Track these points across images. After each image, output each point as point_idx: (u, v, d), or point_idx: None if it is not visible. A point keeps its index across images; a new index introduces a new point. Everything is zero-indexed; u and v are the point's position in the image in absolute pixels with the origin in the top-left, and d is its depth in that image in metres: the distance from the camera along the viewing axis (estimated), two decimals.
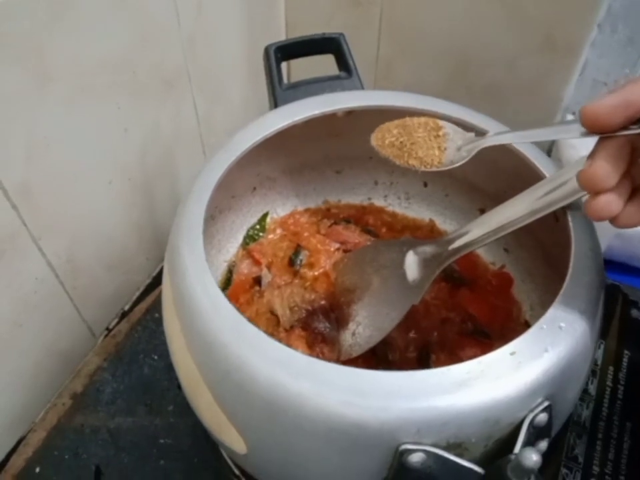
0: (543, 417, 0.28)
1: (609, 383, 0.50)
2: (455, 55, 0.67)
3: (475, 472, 0.27)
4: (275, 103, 0.43)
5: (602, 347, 0.52)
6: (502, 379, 0.27)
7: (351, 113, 0.44)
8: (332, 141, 0.47)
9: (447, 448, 0.27)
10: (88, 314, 0.56)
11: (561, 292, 0.30)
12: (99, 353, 0.52)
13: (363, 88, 0.44)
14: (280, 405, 0.27)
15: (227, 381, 0.29)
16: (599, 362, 0.51)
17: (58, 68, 0.42)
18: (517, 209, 0.36)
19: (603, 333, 0.53)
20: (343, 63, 0.44)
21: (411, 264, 0.41)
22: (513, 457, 0.25)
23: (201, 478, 0.43)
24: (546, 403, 0.28)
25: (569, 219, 0.34)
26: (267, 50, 0.43)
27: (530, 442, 0.28)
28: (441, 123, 0.37)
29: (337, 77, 0.44)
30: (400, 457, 0.26)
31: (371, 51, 0.71)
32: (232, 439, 0.31)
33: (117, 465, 0.44)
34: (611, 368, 0.50)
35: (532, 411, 0.28)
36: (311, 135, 0.44)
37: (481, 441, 0.27)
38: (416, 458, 0.26)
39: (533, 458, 0.24)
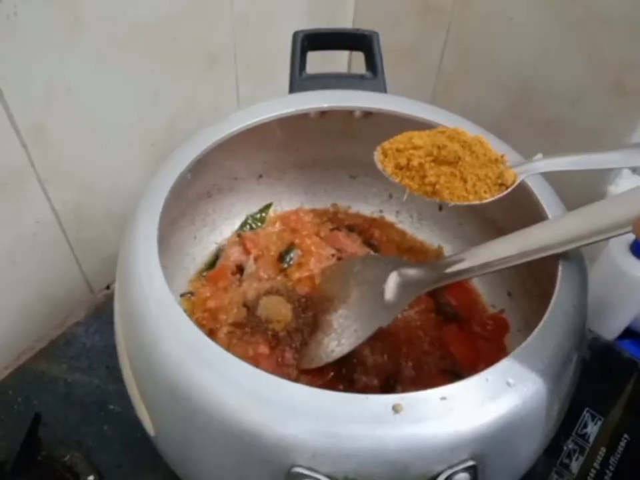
0: (462, 478, 0.25)
1: (596, 464, 0.44)
2: (519, 83, 0.63)
3: None
4: (292, 90, 0.41)
5: (599, 423, 0.46)
6: (422, 422, 0.24)
7: (369, 115, 0.41)
8: (347, 142, 0.45)
9: None
10: (88, 268, 0.56)
11: (521, 345, 0.27)
12: (88, 307, 0.52)
13: (385, 91, 0.42)
14: (182, 391, 0.26)
15: (141, 354, 0.28)
16: (591, 439, 0.45)
17: (91, 17, 0.42)
18: (508, 247, 0.32)
19: (605, 410, 0.47)
20: (372, 63, 0.42)
21: (391, 284, 0.38)
22: None
23: (137, 451, 0.42)
24: (470, 463, 0.25)
25: (559, 269, 0.30)
26: (294, 36, 0.42)
27: None
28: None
29: (360, 76, 0.42)
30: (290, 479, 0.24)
31: (433, 63, 0.68)
32: (144, 418, 0.30)
33: (61, 419, 0.43)
34: (603, 449, 0.45)
35: (451, 467, 0.25)
36: (324, 130, 0.42)
37: None
38: None
39: None
